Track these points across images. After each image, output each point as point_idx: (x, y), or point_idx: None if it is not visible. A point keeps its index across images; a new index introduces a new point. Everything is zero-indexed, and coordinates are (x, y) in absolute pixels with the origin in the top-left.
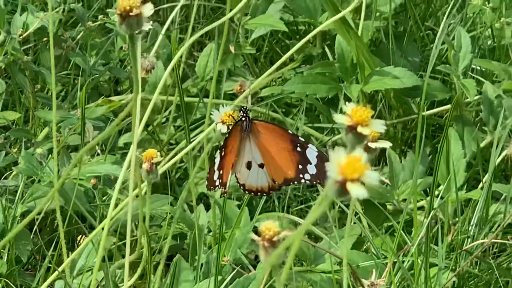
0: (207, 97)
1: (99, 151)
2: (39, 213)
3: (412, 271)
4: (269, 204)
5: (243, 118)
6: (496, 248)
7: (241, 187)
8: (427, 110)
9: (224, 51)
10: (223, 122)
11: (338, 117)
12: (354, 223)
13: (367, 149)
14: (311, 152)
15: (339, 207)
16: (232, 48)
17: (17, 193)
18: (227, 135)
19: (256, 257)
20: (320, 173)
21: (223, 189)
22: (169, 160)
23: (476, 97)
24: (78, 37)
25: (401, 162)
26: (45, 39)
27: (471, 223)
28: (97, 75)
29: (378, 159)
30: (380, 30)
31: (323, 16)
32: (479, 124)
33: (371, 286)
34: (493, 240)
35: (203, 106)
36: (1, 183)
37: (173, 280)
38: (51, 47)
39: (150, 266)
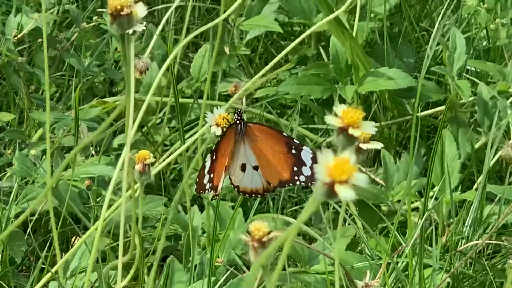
0: (202, 98)
1: (93, 152)
2: (33, 214)
3: (407, 272)
4: (264, 205)
5: (238, 121)
6: (490, 249)
7: (236, 189)
8: (421, 111)
9: (219, 52)
10: (217, 125)
11: (329, 119)
12: (349, 224)
13: (359, 150)
14: (306, 154)
15: (334, 208)
16: (226, 49)
17: (11, 194)
18: (219, 139)
19: None
20: (315, 175)
21: (213, 193)
22: (163, 161)
23: (471, 98)
24: (73, 38)
25: (395, 163)
26: (39, 40)
27: (466, 224)
28: (91, 76)
29: (373, 160)
30: (375, 31)
31: (318, 17)
32: (473, 125)
33: (365, 287)
34: (487, 241)
35: (198, 107)
36: None
37: (166, 281)
38: (45, 48)
39: (142, 267)
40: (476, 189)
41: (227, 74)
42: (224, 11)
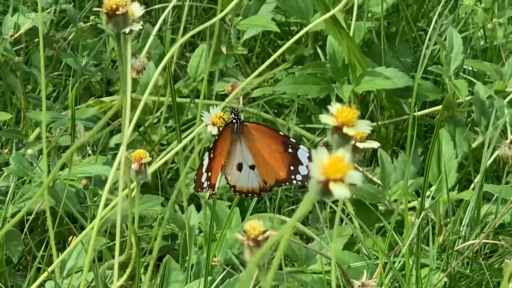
0: (199, 97)
1: (90, 152)
2: (30, 214)
3: (403, 272)
4: (261, 204)
5: (234, 120)
6: (487, 249)
7: (232, 189)
8: (418, 110)
9: (216, 52)
10: (213, 124)
11: (324, 118)
12: (346, 223)
13: (356, 149)
14: (303, 153)
15: (331, 208)
16: (223, 49)
17: (8, 194)
18: (216, 137)
19: None
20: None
21: (211, 191)
22: (160, 161)
23: (468, 98)
24: (70, 37)
25: (392, 162)
26: (36, 39)
27: (463, 224)
28: (88, 76)
29: (370, 160)
30: (372, 31)
31: (315, 16)
32: (470, 124)
33: (362, 287)
34: (484, 241)
35: (195, 106)
36: None
37: (162, 281)
38: (41, 48)
39: (138, 266)
40: (473, 189)
41: (224, 74)
42: (221, 11)
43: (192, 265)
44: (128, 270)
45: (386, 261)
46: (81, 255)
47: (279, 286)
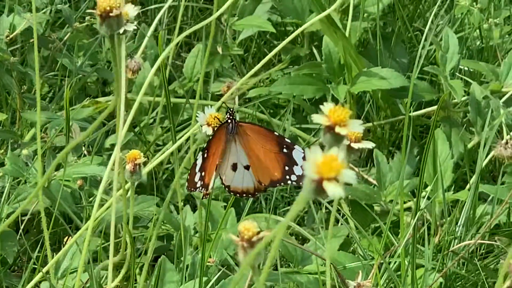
0: (195, 98)
1: (85, 152)
2: (25, 214)
3: (399, 272)
4: (256, 205)
5: (229, 120)
6: (483, 249)
7: (226, 189)
8: (414, 111)
9: (212, 52)
10: (208, 124)
11: (316, 117)
12: (341, 224)
13: (350, 149)
14: (298, 153)
15: (326, 208)
16: (219, 49)
17: (3, 194)
18: (211, 137)
19: None
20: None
21: (204, 191)
22: (155, 161)
23: (464, 98)
24: (66, 38)
25: (388, 163)
26: (32, 40)
27: (458, 224)
28: (84, 76)
29: (366, 160)
30: (368, 31)
31: (311, 17)
32: (466, 125)
33: (357, 287)
34: (480, 241)
35: (190, 107)
36: None
37: (157, 281)
38: (35, 48)
39: (133, 267)
40: (468, 189)
41: (220, 74)
42: (217, 11)
43: (187, 266)
44: (123, 271)
45: (382, 261)
46: (76, 256)
47: (274, 287)
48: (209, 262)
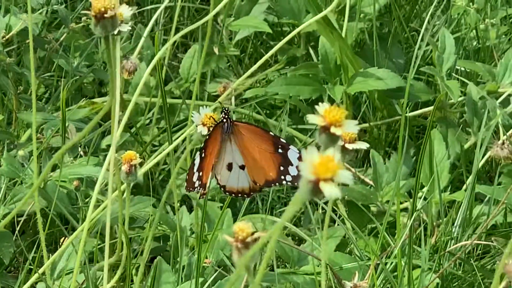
0: (191, 98)
1: (82, 153)
2: (22, 215)
3: (395, 273)
4: (253, 205)
5: (224, 120)
6: (479, 250)
7: (222, 189)
8: (411, 111)
9: (208, 53)
10: (203, 124)
11: (311, 118)
12: (338, 225)
13: (345, 150)
14: (293, 154)
15: (323, 209)
16: (216, 50)
17: None
18: (207, 137)
19: None
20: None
21: (202, 191)
22: (151, 162)
23: (460, 99)
24: (62, 38)
25: (384, 163)
26: (28, 40)
27: (455, 225)
28: (80, 77)
29: (362, 161)
30: (364, 31)
31: (307, 17)
32: (462, 125)
33: None
34: (476, 242)
35: (186, 107)
36: None
37: (153, 282)
38: (31, 49)
39: (129, 267)
40: (465, 190)
41: (216, 75)
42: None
43: (184, 266)
44: (119, 272)
45: (378, 262)
46: (72, 257)
47: (271, 287)
48: (205, 262)
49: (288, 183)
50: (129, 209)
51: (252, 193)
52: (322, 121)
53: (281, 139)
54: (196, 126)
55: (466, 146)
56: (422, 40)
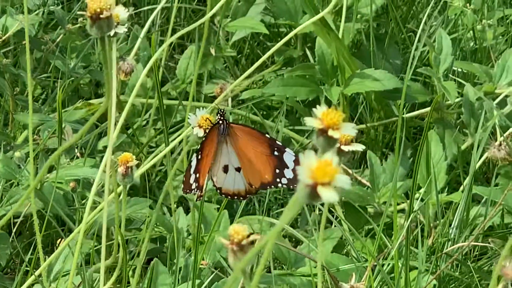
0: (188, 99)
1: (78, 154)
2: (18, 217)
3: (392, 275)
4: (250, 207)
5: (220, 122)
6: (477, 251)
7: (218, 191)
8: (408, 112)
9: (205, 54)
10: (199, 126)
11: (309, 121)
12: (335, 226)
13: (341, 151)
14: (288, 156)
15: (320, 210)
16: (212, 51)
17: None
18: (203, 138)
19: None
20: (298, 177)
21: (199, 193)
22: (148, 163)
23: (457, 100)
24: (58, 39)
25: (381, 164)
26: (24, 41)
27: (452, 226)
28: (77, 78)
29: (359, 162)
30: (361, 32)
31: (304, 18)
32: (459, 126)
33: None
34: (473, 243)
35: (183, 109)
36: None
37: (150, 284)
38: (27, 50)
39: (125, 269)
40: (462, 191)
41: (213, 76)
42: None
43: (180, 268)
44: (115, 273)
45: (375, 263)
46: (68, 258)
47: None
48: (202, 264)
49: (284, 185)
50: (125, 210)
51: (248, 196)
52: (319, 124)
53: (277, 142)
54: (193, 128)
55: (463, 147)
56: (419, 41)
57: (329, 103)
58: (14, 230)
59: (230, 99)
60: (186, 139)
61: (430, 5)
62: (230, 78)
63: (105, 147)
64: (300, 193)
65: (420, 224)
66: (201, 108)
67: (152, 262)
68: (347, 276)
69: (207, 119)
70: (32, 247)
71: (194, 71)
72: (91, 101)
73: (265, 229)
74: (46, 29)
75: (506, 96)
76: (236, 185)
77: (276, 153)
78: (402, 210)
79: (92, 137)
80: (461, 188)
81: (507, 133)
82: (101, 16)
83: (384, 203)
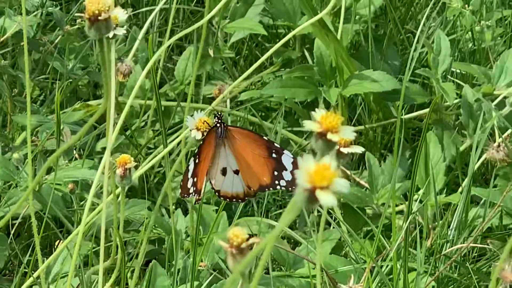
0: (187, 101)
1: (76, 155)
2: (16, 218)
3: (391, 276)
4: (248, 208)
5: (218, 124)
6: (475, 253)
7: (216, 193)
8: (406, 113)
9: (203, 55)
10: (197, 129)
11: (308, 124)
12: (333, 227)
13: (339, 154)
14: (287, 159)
15: (318, 212)
16: (211, 52)
17: None
18: (201, 142)
19: None
20: (296, 179)
21: (197, 197)
22: (146, 165)
23: (456, 101)
24: (57, 41)
25: (380, 166)
26: (23, 43)
27: (450, 228)
28: (75, 79)
29: (358, 163)
30: (359, 33)
31: (303, 19)
32: (458, 127)
33: None
34: (472, 245)
35: (182, 110)
36: None
37: (148, 285)
38: (25, 51)
39: (124, 271)
40: (461, 192)
41: (212, 77)
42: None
43: (179, 270)
44: (113, 275)
45: (374, 265)
46: (66, 260)
47: None
48: (200, 266)
49: (283, 187)
50: (124, 212)
51: (246, 198)
52: (318, 127)
53: (275, 144)
54: (190, 131)
55: (461, 148)
56: (417, 42)
57: (327, 105)
58: (12, 232)
59: (228, 101)
60: (184, 141)
61: (429, 6)
62: (228, 79)
63: (104, 149)
64: (299, 197)
65: (418, 226)
66: (199, 110)
67: (150, 263)
68: (345, 277)
69: (205, 122)
70: (30, 249)
71: (193, 72)
72: (89, 103)
73: (264, 231)
74: (44, 31)
75: (505, 97)
76: (235, 188)
77: (274, 155)
78: (401, 212)
79: (91, 138)
80: (460, 189)
81: (505, 134)
82: (99, 18)
83: (383, 204)
